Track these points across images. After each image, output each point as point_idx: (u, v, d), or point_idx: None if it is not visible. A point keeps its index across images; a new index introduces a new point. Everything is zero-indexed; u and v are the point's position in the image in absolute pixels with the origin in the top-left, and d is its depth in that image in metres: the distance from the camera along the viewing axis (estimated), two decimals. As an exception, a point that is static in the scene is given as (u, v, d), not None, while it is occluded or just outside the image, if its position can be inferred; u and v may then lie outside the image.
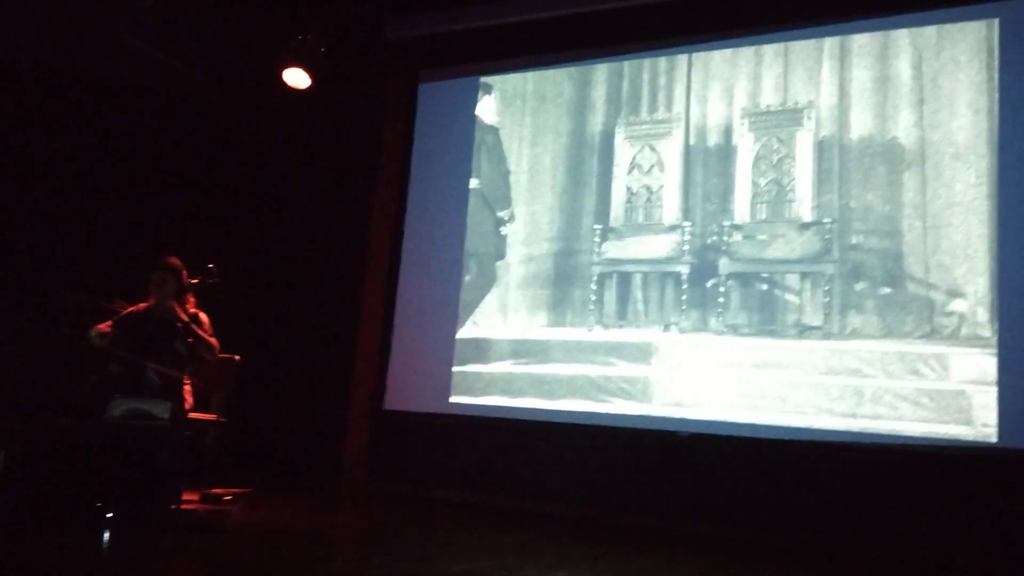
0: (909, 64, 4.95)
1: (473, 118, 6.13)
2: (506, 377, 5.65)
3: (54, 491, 3.91)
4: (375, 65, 6.38)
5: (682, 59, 5.55)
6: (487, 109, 6.12)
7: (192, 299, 4.50)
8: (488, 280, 5.87)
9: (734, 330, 5.11)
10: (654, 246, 5.43)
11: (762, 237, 5.15)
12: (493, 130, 6.07)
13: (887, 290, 4.79)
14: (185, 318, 4.43)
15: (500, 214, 5.91)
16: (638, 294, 5.42)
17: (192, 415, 4.53)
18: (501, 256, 5.87)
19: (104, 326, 4.37)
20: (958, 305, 4.62)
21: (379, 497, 5.70)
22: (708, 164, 5.37)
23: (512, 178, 5.95)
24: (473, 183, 6.06)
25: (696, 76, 5.49)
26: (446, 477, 5.73)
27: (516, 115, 6.02)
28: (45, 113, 5.82)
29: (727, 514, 4.93)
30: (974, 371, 4.52)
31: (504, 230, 5.89)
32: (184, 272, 4.50)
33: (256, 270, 6.51)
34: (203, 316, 4.55)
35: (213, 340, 4.54)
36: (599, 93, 5.77)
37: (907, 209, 4.82)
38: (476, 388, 5.73)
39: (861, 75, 5.05)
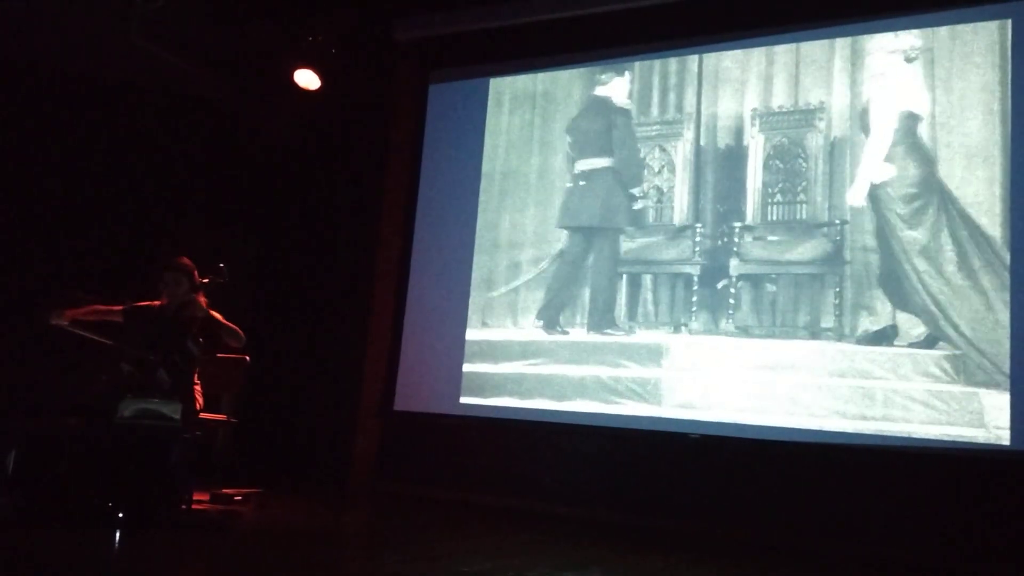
0: (921, 64, 4.93)
1: (483, 119, 6.12)
2: (516, 378, 5.64)
3: (65, 491, 3.92)
4: (385, 66, 6.39)
5: (692, 59, 5.53)
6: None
7: (203, 299, 4.51)
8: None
9: (745, 331, 5.09)
10: (664, 247, 5.41)
11: (773, 238, 5.13)
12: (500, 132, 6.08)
13: (898, 291, 4.76)
14: (213, 313, 4.47)
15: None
16: (648, 295, 5.41)
17: (203, 415, 4.55)
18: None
19: (72, 311, 4.39)
20: (970, 306, 4.59)
21: (389, 498, 5.70)
22: (719, 165, 5.35)
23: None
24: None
25: (707, 76, 5.47)
26: (456, 478, 5.73)
27: (526, 116, 6.03)
28: (54, 114, 5.84)
29: (738, 516, 4.92)
30: (986, 373, 4.50)
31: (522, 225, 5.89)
32: (195, 272, 4.52)
33: (266, 270, 6.52)
34: (216, 315, 4.57)
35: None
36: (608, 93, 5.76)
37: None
38: (486, 389, 5.72)
39: (873, 75, 5.02)
